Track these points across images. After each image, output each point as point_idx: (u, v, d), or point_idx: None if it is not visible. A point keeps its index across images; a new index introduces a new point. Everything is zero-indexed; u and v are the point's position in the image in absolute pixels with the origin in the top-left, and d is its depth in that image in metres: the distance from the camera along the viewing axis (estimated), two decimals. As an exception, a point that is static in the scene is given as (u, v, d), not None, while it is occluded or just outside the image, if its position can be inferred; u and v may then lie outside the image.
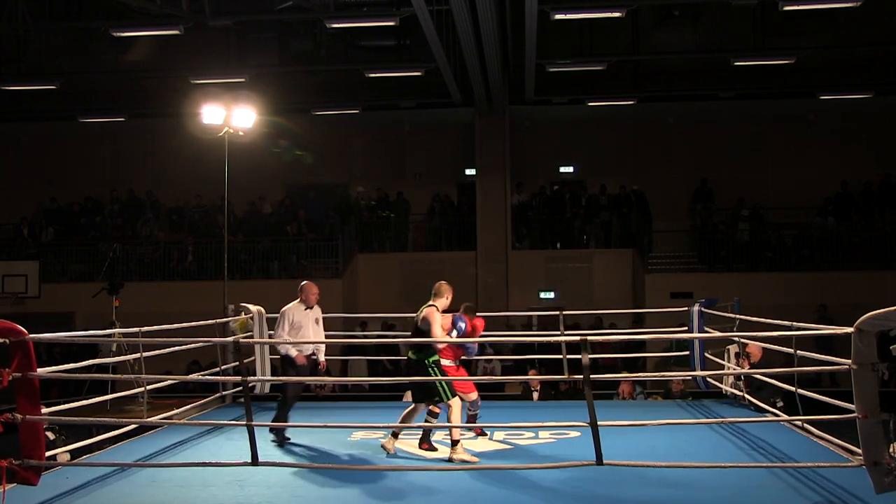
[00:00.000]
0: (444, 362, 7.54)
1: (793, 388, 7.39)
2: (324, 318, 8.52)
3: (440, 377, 7.18)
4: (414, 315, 7.50)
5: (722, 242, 18.51)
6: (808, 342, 8.59)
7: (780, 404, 8.72)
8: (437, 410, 7.47)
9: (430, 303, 7.41)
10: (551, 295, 19.25)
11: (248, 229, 19.46)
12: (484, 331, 8.18)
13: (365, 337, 15.21)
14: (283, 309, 8.19)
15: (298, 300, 8.21)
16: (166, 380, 8.89)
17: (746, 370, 8.73)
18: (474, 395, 7.91)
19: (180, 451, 7.77)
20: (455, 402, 7.12)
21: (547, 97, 19.42)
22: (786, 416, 8.33)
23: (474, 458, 7.06)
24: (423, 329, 7.26)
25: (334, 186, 21.03)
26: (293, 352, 7.91)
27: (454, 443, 7.06)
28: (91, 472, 6.66)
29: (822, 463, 6.48)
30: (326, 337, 9.26)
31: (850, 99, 19.22)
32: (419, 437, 7.63)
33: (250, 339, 9.42)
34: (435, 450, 7.47)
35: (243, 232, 19.25)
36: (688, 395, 11.33)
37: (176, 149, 19.86)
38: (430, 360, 7.25)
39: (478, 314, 8.10)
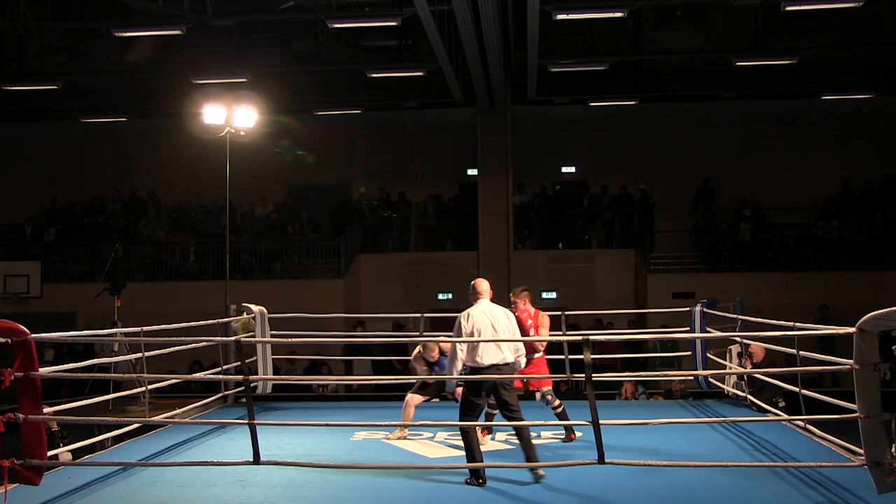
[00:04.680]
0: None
1: (795, 388, 7.39)
2: (325, 318, 8.47)
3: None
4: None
5: (724, 242, 18.49)
6: (810, 342, 8.60)
7: (782, 404, 8.72)
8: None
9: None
10: (553, 295, 19.22)
11: (250, 229, 19.47)
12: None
13: (373, 337, 15.11)
14: None
15: None
16: (168, 379, 8.91)
17: (749, 370, 8.73)
18: (546, 388, 7.84)
19: (182, 450, 7.79)
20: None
21: (549, 97, 19.40)
22: (787, 416, 8.33)
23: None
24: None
25: (336, 186, 21.00)
26: None
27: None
28: (93, 472, 6.68)
29: (823, 463, 6.48)
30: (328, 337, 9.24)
31: (852, 99, 19.18)
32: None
33: (252, 339, 9.44)
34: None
35: (245, 232, 19.25)
36: (689, 395, 11.31)
37: (178, 149, 19.85)
38: None
39: None
